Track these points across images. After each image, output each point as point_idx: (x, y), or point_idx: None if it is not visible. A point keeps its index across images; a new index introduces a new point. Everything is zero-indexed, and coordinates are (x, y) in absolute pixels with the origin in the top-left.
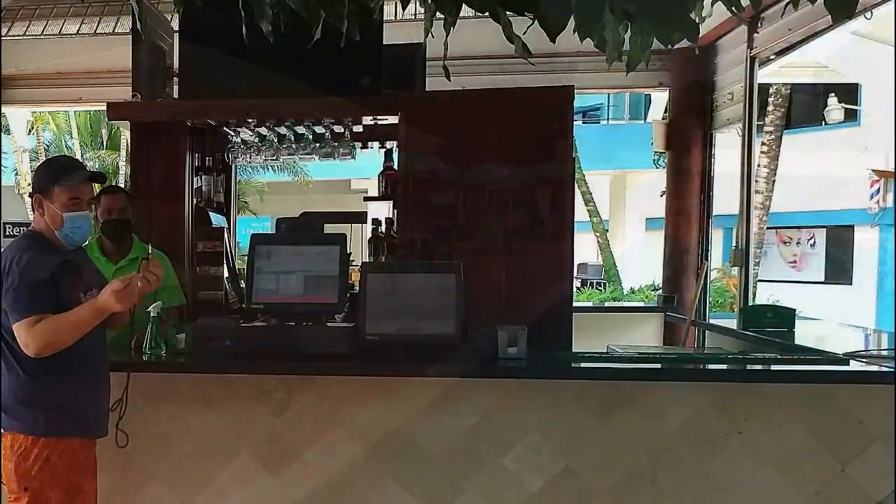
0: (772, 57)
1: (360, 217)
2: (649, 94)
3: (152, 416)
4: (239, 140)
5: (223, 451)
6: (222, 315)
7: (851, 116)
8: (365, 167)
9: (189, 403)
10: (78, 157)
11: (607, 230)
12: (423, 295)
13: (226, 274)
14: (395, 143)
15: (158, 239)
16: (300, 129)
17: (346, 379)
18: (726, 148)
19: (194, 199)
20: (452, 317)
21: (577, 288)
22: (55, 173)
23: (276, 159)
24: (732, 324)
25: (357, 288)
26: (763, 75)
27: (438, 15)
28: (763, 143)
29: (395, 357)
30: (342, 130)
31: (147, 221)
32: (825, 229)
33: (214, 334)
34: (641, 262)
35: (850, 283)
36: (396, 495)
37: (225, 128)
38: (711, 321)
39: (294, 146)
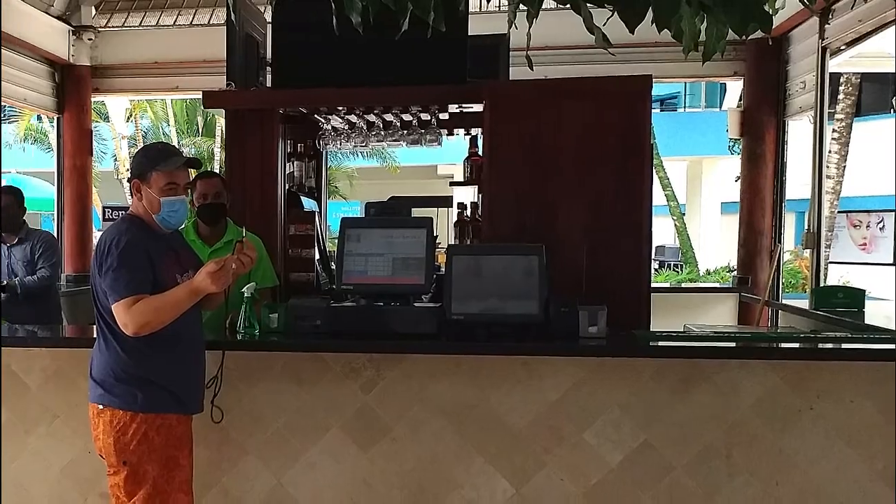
0: (842, 47)
1: (446, 201)
2: (724, 83)
3: (246, 392)
4: (329, 127)
5: (314, 426)
6: (313, 296)
7: None
8: (451, 153)
9: (281, 381)
10: (174, 143)
11: (684, 214)
12: (506, 276)
13: (317, 256)
14: (479, 130)
15: (252, 222)
16: (388, 117)
17: (433, 357)
18: (798, 135)
19: (286, 184)
20: (535, 297)
21: (655, 269)
22: (153, 159)
23: (365, 146)
24: (804, 304)
25: (443, 269)
26: (834, 65)
27: (522, 7)
28: (834, 131)
29: (479, 336)
30: (429, 118)
31: (241, 205)
32: (894, 213)
33: (306, 314)
34: (717, 244)
35: None
36: (481, 468)
37: (316, 116)
38: (784, 301)
39: (382, 133)
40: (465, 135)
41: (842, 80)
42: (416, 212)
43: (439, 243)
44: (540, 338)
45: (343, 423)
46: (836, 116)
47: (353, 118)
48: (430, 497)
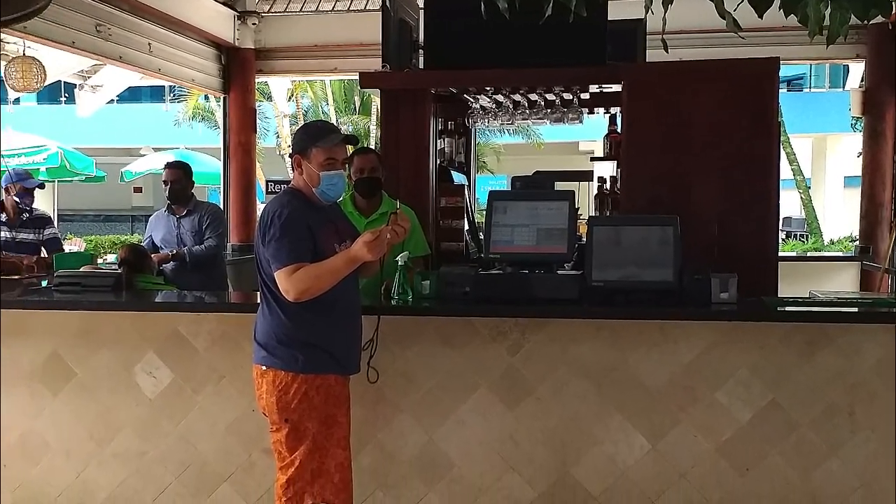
0: None
1: (586, 175)
2: (847, 65)
3: (400, 354)
4: (478, 106)
5: (463, 386)
6: (463, 264)
7: None
8: (591, 130)
9: (433, 343)
10: (333, 121)
11: (809, 187)
12: (643, 245)
13: (466, 227)
14: (618, 109)
15: (406, 195)
16: (533, 97)
17: (575, 321)
18: None
19: (438, 160)
20: (670, 265)
21: (782, 239)
22: (313, 136)
23: (511, 123)
24: None
25: (584, 239)
26: None
27: None
28: None
29: (618, 301)
30: (571, 97)
31: (395, 179)
32: None
33: (456, 281)
34: (840, 215)
35: None
36: (620, 426)
37: (465, 95)
38: None
39: (528, 112)
40: (604, 113)
41: None
42: (559, 185)
43: (581, 215)
44: (674, 303)
45: (490, 384)
46: None
47: (500, 98)
48: (571, 452)
